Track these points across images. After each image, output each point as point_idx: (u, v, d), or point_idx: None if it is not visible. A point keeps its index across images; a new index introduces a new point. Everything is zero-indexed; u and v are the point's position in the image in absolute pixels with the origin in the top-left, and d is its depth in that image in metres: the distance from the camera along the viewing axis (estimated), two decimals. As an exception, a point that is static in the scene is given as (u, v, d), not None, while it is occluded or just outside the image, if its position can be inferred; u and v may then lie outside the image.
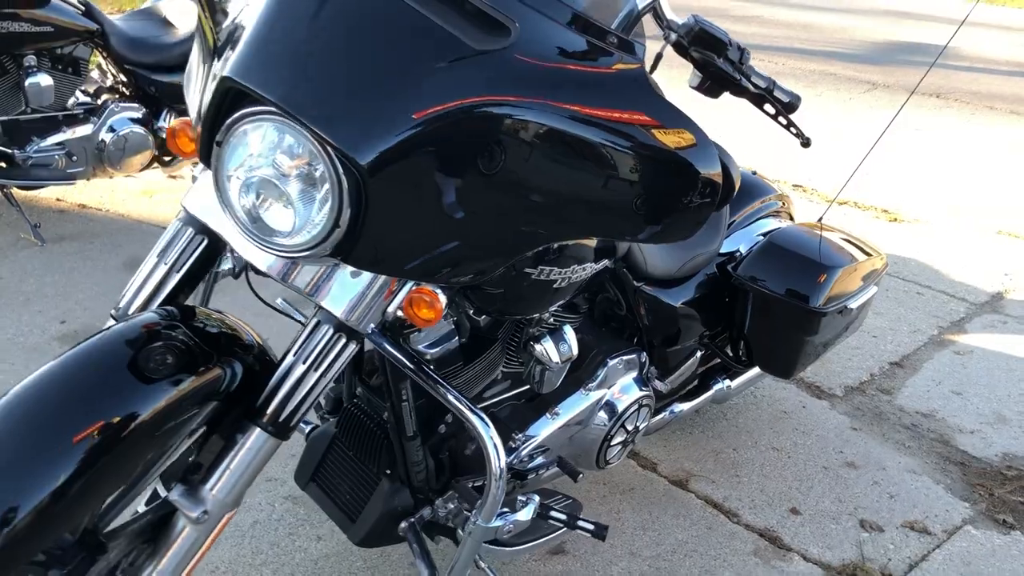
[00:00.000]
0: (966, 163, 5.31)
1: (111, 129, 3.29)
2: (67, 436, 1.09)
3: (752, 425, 2.53)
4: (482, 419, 1.38)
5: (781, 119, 1.42)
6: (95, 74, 3.42)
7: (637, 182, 1.22)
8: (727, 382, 2.27)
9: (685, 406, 2.21)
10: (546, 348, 1.65)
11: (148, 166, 3.47)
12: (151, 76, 3.39)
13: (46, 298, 2.78)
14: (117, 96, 3.41)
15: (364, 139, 1.06)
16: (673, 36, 1.34)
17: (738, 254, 2.12)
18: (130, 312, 1.34)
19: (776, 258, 2.05)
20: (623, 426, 1.89)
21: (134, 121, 3.34)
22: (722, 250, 2.10)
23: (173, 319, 1.25)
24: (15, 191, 3.21)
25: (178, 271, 1.35)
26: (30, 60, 3.11)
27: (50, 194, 3.48)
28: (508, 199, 1.17)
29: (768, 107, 1.41)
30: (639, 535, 2.04)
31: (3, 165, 3.12)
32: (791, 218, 2.41)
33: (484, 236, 1.20)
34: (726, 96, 1.47)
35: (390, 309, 1.31)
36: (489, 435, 1.37)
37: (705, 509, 2.16)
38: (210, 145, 1.15)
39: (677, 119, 1.23)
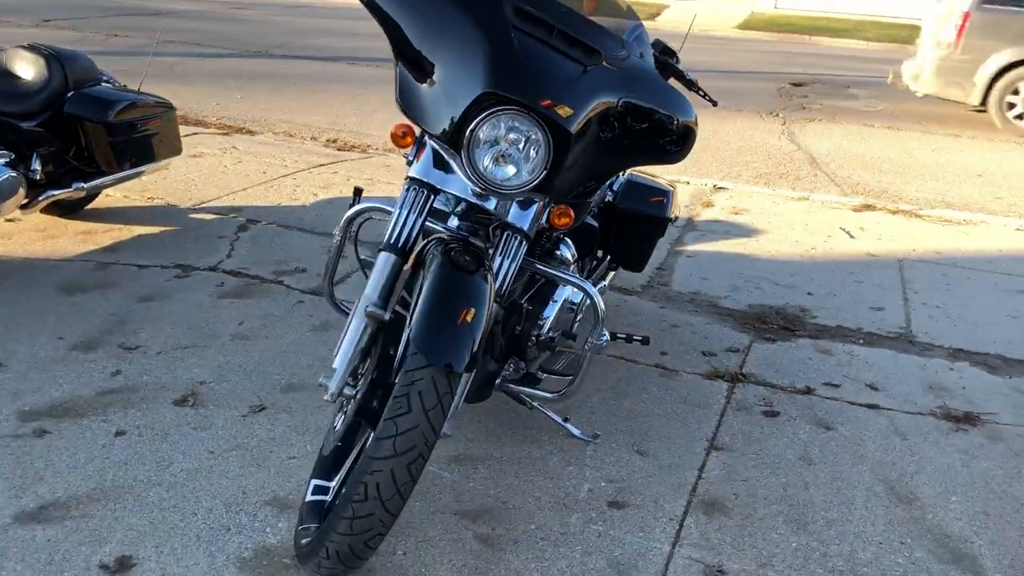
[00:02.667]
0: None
1: (-12, 177, 3.55)
2: (455, 322, 1.88)
3: (606, 315, 3.67)
4: (584, 282, 2.35)
5: (700, 92, 2.55)
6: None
7: (666, 128, 2.26)
8: (603, 283, 3.38)
9: (585, 301, 3.28)
10: (565, 252, 2.64)
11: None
12: (17, 124, 3.68)
13: (22, 325, 3.11)
14: (-18, 146, 3.64)
15: (566, 118, 1.99)
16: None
17: (612, 191, 3.22)
18: (399, 245, 2.09)
19: (639, 190, 3.19)
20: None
21: (7, 166, 3.62)
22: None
23: (444, 242, 2.06)
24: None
25: (421, 216, 2.13)
26: (-91, 117, 3.30)
27: (-88, 248, 3.61)
28: (612, 145, 2.15)
29: (692, 85, 2.53)
30: (592, 380, 3.08)
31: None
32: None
33: (601, 169, 2.19)
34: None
35: (542, 221, 2.23)
36: (591, 289, 2.35)
37: (617, 362, 3.26)
38: (460, 133, 1.99)
39: (672, 92, 2.29)
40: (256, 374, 2.92)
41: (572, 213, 2.25)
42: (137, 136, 4.06)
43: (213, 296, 3.50)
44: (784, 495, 2.51)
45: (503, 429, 2.73)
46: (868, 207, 5.61)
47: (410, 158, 2.19)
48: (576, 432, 2.72)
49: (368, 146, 6.41)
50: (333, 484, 2.22)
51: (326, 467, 2.27)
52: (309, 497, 2.20)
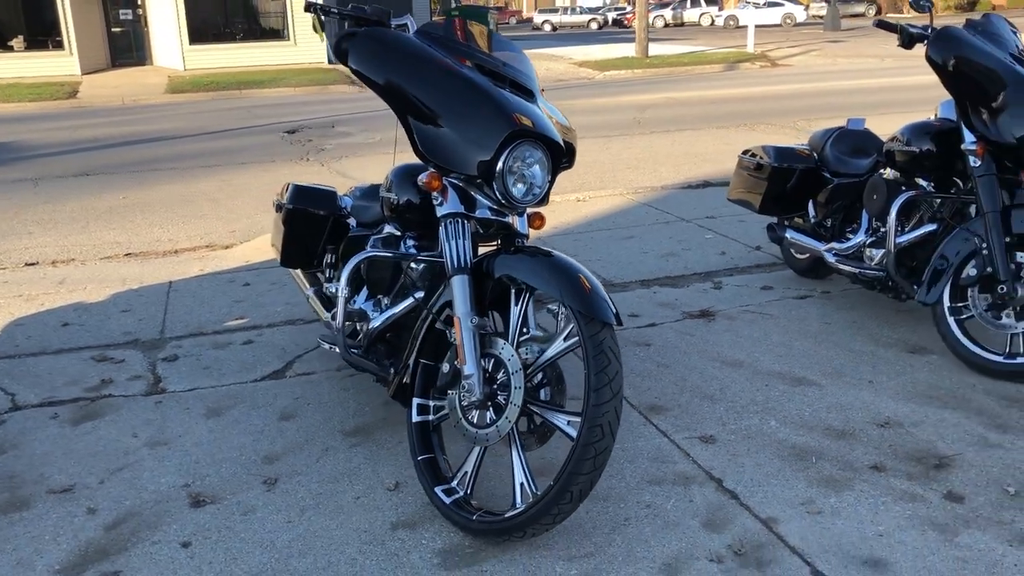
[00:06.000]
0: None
1: None
2: (585, 289, 2.38)
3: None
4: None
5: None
6: None
7: (571, 143, 2.96)
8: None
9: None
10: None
11: None
12: None
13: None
14: None
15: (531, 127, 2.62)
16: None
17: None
18: (465, 266, 2.49)
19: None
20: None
21: None
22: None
23: (499, 252, 2.53)
24: None
25: (466, 240, 2.55)
26: None
27: None
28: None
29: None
30: (475, 372, 3.61)
31: None
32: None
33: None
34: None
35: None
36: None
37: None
38: (493, 166, 2.51)
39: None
40: (224, 463, 2.91)
41: (544, 216, 2.86)
42: None
43: (64, 427, 3.21)
44: (681, 387, 3.41)
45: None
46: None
47: (438, 201, 2.60)
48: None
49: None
50: (455, 483, 2.57)
51: (436, 475, 2.61)
52: (447, 501, 2.52)
